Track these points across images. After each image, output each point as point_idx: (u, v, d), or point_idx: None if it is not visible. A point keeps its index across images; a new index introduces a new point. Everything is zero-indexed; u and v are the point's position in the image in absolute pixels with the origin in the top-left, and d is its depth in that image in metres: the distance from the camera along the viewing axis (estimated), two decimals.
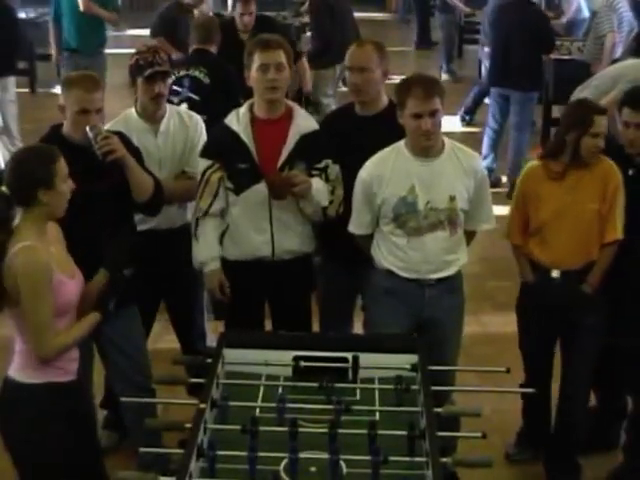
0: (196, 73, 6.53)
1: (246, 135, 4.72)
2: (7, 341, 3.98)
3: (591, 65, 9.52)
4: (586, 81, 7.88)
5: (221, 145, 4.77)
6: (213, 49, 7.00)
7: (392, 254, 4.63)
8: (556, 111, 10.83)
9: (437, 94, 4.43)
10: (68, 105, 4.48)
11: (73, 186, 3.82)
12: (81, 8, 9.88)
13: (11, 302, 3.69)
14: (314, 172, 4.74)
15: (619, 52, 9.72)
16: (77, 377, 3.92)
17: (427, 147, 4.50)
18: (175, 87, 6.21)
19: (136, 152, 4.74)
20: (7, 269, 3.66)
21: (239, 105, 4.97)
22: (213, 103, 5.35)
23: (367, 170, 4.61)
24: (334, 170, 4.80)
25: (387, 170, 4.55)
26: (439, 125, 4.47)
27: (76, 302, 3.87)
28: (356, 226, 4.73)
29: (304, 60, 8.91)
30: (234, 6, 8.46)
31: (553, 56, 10.96)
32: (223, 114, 4.97)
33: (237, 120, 4.77)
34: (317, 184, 4.70)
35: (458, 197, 4.54)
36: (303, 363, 3.94)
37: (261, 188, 4.71)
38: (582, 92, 7.64)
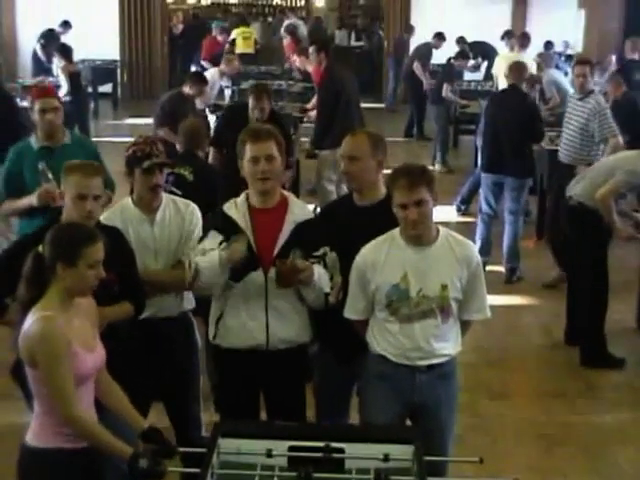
0: (181, 171, 6.67)
1: (244, 223, 4.76)
2: None
3: (576, 167, 9.18)
4: (581, 173, 7.95)
5: (220, 232, 4.80)
6: (201, 152, 7.18)
7: (385, 339, 4.65)
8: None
9: (423, 184, 4.47)
10: (67, 191, 4.54)
11: (102, 275, 3.89)
12: None
13: (31, 364, 3.78)
14: (312, 260, 4.75)
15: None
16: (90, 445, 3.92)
17: (415, 236, 4.54)
18: None
19: (128, 253, 4.82)
20: (25, 336, 3.77)
21: (215, 204, 5.03)
22: (194, 199, 5.43)
23: (362, 257, 4.65)
24: (332, 257, 4.82)
25: (381, 257, 4.59)
26: (427, 215, 4.50)
27: (92, 375, 3.94)
28: (351, 312, 4.75)
29: (287, 173, 8.52)
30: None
31: (547, 146, 11.08)
32: (203, 209, 5.17)
33: (235, 209, 4.81)
34: (319, 270, 4.72)
35: (450, 286, 4.56)
36: (299, 453, 3.92)
37: (258, 276, 4.73)
38: (578, 184, 7.73)
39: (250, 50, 22.38)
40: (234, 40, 22.17)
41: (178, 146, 9.41)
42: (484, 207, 10.08)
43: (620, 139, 9.04)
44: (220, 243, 4.73)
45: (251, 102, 8.55)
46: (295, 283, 4.69)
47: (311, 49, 10.82)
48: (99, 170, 4.63)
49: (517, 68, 10.25)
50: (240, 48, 22.18)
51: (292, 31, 19.81)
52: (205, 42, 17.89)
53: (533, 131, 9.75)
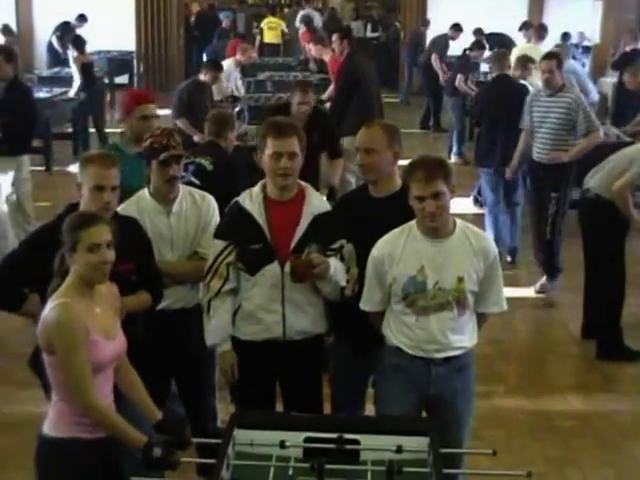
0: (202, 161, 6.62)
1: (259, 215, 4.75)
2: None
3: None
4: (600, 164, 7.90)
5: (234, 225, 4.80)
6: (224, 143, 7.12)
7: (401, 332, 4.64)
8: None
9: (440, 177, 4.46)
10: (85, 182, 4.54)
11: (106, 258, 3.88)
12: None
13: (49, 351, 3.81)
14: (329, 252, 4.75)
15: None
16: (108, 435, 3.93)
17: (432, 228, 4.53)
18: None
19: (146, 242, 4.82)
20: (42, 322, 3.80)
21: (234, 195, 5.01)
22: (212, 189, 5.44)
23: (379, 249, 4.63)
24: (348, 249, 4.82)
25: (398, 249, 4.58)
26: (444, 207, 4.49)
27: (111, 363, 3.97)
28: (367, 304, 4.74)
29: (340, 161, 8.85)
30: (292, 94, 8.51)
31: None
32: (222, 199, 5.15)
33: (250, 200, 4.80)
34: (335, 264, 4.72)
35: (467, 278, 4.55)
36: (314, 444, 3.92)
37: (274, 268, 4.73)
38: (594, 176, 7.69)
39: (277, 40, 22.63)
40: (262, 30, 22.48)
41: (196, 137, 9.46)
42: (489, 200, 10.10)
43: (601, 133, 8.91)
44: (223, 250, 4.77)
45: (298, 97, 8.36)
46: (310, 278, 4.69)
47: (334, 37, 10.79)
48: (116, 161, 4.64)
49: (499, 58, 10.72)
50: (266, 38, 22.46)
51: (307, 21, 19.81)
52: (229, 44, 17.67)
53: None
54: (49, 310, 3.80)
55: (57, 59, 18.03)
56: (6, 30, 17.04)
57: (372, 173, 4.95)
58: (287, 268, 4.69)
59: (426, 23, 19.93)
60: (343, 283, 4.76)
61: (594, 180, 7.66)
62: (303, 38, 18.25)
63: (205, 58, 16.69)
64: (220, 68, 11.32)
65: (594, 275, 7.86)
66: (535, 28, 14.99)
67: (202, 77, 10.83)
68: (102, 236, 3.88)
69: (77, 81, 14.18)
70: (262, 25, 23.16)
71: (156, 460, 3.78)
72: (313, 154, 7.18)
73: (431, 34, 18.64)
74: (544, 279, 9.23)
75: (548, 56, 9.09)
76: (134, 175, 5.27)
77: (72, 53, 14.43)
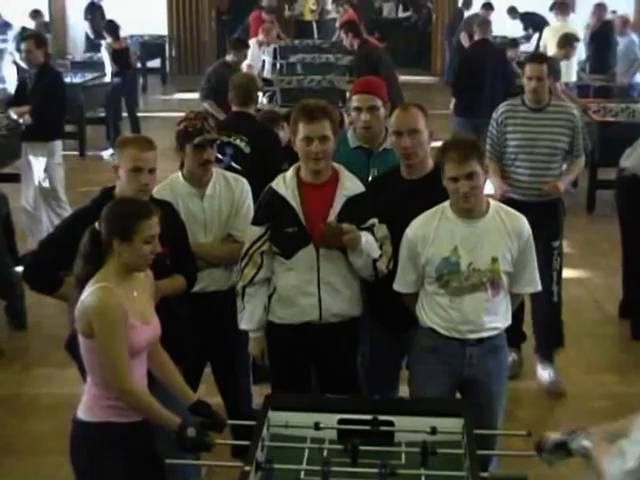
0: (237, 142, 6.38)
1: (293, 199, 4.75)
2: None
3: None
4: (633, 144, 7.83)
5: (269, 209, 4.80)
6: (252, 110, 6.87)
7: (435, 313, 4.64)
8: (602, 173, 10.87)
9: (474, 157, 4.45)
10: (122, 164, 4.55)
11: (158, 250, 3.93)
12: None
13: (86, 334, 3.83)
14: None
15: None
16: (142, 419, 3.94)
17: (466, 209, 4.53)
18: (218, 154, 6.00)
19: (180, 227, 4.84)
20: (82, 305, 3.81)
21: (279, 172, 4.99)
22: (253, 172, 5.40)
23: (412, 230, 4.64)
24: (381, 229, 4.80)
25: (431, 230, 4.58)
26: (478, 187, 4.49)
27: (147, 348, 3.98)
28: (401, 284, 4.75)
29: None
30: None
31: (598, 118, 11.02)
32: (263, 181, 5.05)
33: (284, 184, 4.80)
34: (366, 236, 4.71)
35: (501, 259, 4.54)
36: (348, 426, 3.93)
37: (309, 251, 4.73)
38: (630, 156, 7.64)
39: (309, 18, 22.88)
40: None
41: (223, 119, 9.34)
42: None
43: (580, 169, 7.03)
44: (259, 238, 4.78)
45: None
46: (339, 244, 4.68)
47: (342, 34, 10.80)
48: (153, 144, 4.65)
49: (483, 24, 11.87)
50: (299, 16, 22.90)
51: (353, 3, 19.88)
52: (252, 20, 17.54)
53: (505, 75, 10.29)
54: (89, 293, 3.81)
55: (91, 44, 18.09)
56: (36, 14, 17.08)
57: (415, 155, 4.92)
58: (322, 250, 4.71)
59: (469, 3, 19.64)
60: (375, 255, 4.74)
61: (630, 160, 7.62)
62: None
63: None
64: (246, 45, 11.27)
65: (630, 254, 7.80)
66: (559, 5, 14.78)
67: (230, 58, 10.81)
68: (157, 227, 3.93)
69: (108, 67, 14.17)
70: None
71: (191, 442, 3.79)
72: None
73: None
74: (548, 368, 6.92)
75: (537, 59, 6.79)
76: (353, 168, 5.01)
77: (106, 39, 14.39)
